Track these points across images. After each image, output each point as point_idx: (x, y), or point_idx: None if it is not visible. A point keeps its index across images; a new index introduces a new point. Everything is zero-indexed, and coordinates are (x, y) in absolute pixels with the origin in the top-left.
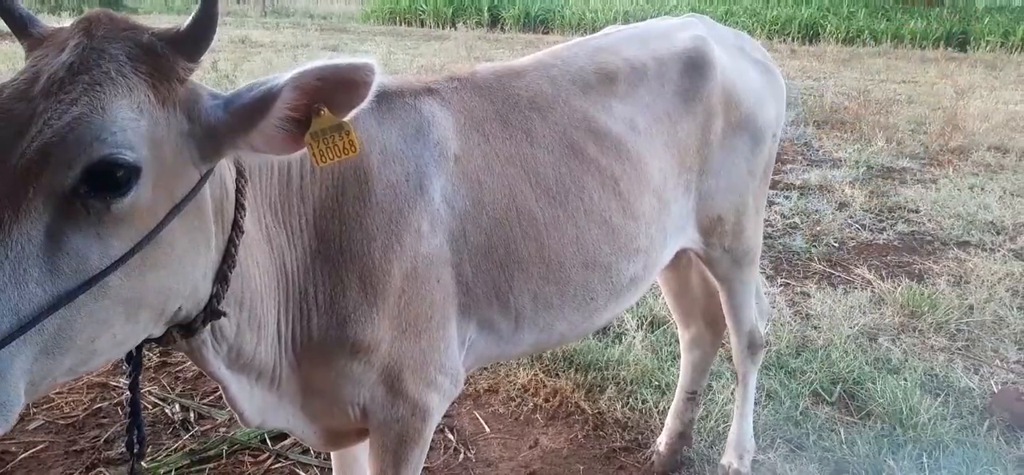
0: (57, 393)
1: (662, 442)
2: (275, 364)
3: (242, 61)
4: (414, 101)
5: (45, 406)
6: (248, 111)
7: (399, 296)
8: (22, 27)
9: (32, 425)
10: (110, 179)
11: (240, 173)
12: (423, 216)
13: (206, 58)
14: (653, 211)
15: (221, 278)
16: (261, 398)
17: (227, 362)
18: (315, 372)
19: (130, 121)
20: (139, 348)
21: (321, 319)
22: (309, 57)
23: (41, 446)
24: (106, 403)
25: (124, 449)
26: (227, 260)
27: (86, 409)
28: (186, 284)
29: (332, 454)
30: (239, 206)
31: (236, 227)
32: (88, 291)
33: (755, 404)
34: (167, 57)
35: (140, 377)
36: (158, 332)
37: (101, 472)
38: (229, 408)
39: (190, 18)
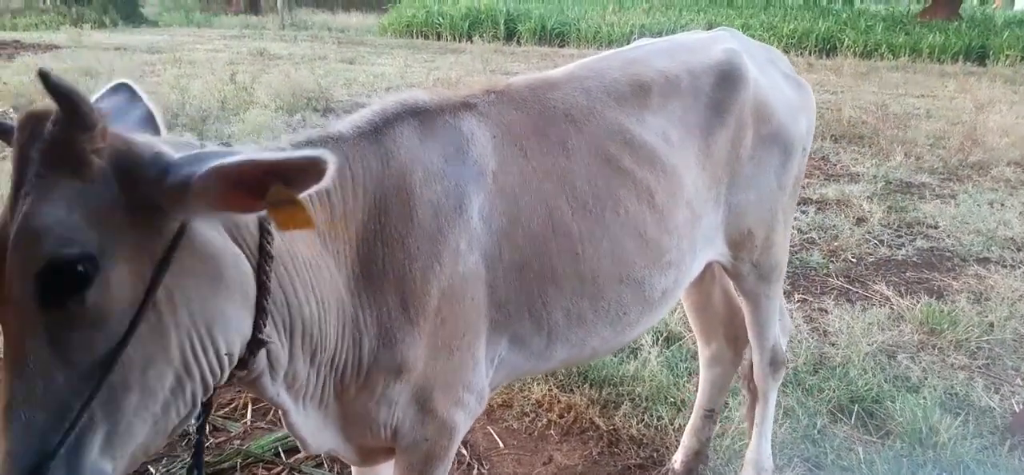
0: None
1: (678, 460)
2: (324, 387)
3: (260, 73)
4: (454, 119)
5: None
6: (179, 189)
7: (436, 315)
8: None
9: None
10: (70, 278)
11: None
12: (462, 235)
13: (225, 71)
14: (686, 224)
15: (259, 309)
16: (314, 421)
17: (285, 388)
18: (358, 394)
19: (60, 218)
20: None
21: (370, 342)
22: (327, 71)
23: None
24: None
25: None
26: (261, 289)
27: None
28: (218, 328)
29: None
30: (265, 232)
31: (264, 254)
32: (115, 373)
33: (773, 422)
34: (68, 139)
35: (207, 419)
36: (223, 377)
37: None
38: (243, 421)
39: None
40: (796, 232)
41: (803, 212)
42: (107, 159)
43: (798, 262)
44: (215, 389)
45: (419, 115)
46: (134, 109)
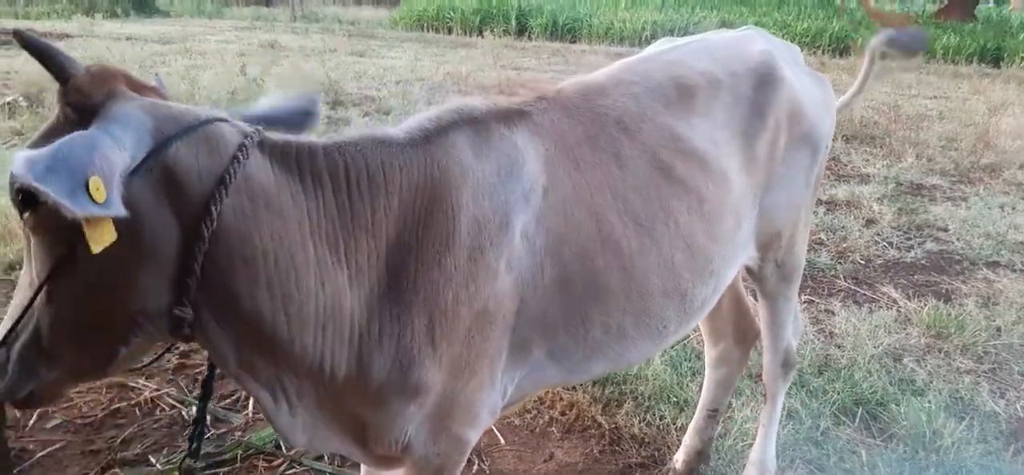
0: (76, 392)
1: (680, 459)
2: (305, 390)
3: (271, 65)
4: (509, 131)
5: (64, 405)
6: None
7: (466, 336)
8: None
9: (50, 424)
10: (26, 198)
11: (224, 184)
12: (503, 255)
13: (235, 62)
14: (730, 231)
15: (180, 286)
16: (303, 422)
17: (253, 380)
18: (369, 409)
19: (36, 148)
20: (210, 375)
21: (383, 360)
22: (337, 63)
23: (58, 445)
24: (124, 404)
25: (140, 451)
26: (187, 270)
27: (104, 409)
28: (126, 290)
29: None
30: (208, 212)
31: (194, 234)
32: (42, 293)
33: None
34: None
35: (209, 400)
36: (146, 335)
37: (116, 472)
38: (244, 412)
39: None
40: None
41: (812, 213)
42: (74, 108)
43: (806, 263)
44: (212, 375)
45: (474, 125)
46: None
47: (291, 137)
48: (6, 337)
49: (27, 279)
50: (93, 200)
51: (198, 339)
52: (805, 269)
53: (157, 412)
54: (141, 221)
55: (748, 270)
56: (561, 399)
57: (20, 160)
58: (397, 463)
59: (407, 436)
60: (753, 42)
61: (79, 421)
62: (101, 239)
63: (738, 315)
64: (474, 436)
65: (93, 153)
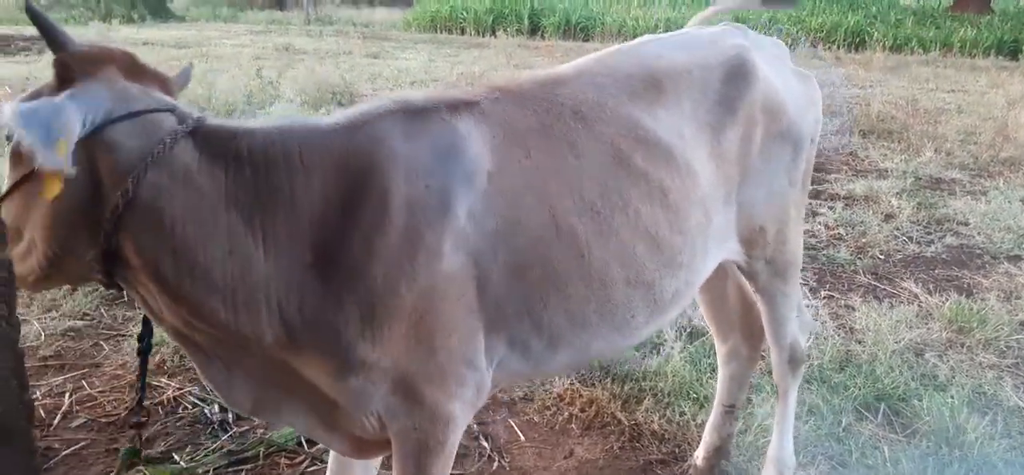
0: (99, 392)
1: (700, 456)
2: (223, 344)
3: (286, 68)
4: (450, 117)
5: (87, 404)
6: None
7: (410, 314)
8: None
9: (74, 423)
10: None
11: (145, 162)
12: (445, 236)
13: (251, 65)
14: (699, 224)
15: (97, 240)
16: (245, 384)
17: (170, 328)
18: (324, 383)
19: (29, 107)
20: (144, 328)
21: (314, 333)
22: (351, 66)
23: (82, 443)
24: (148, 402)
25: (164, 449)
26: (102, 228)
27: (127, 407)
28: (46, 231)
29: (329, 458)
30: (125, 187)
31: (114, 203)
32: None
33: (796, 419)
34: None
35: (150, 342)
36: (67, 269)
37: (141, 470)
38: None
39: None
40: (823, 228)
41: (830, 208)
42: (60, 77)
43: (825, 259)
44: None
45: (409, 113)
46: None
47: (229, 123)
48: None
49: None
50: (57, 155)
51: (129, 292)
52: (825, 265)
53: (180, 410)
54: (76, 178)
55: (739, 268)
56: (580, 396)
57: (13, 108)
58: (377, 448)
59: (376, 409)
60: (728, 37)
61: (103, 420)
62: (52, 190)
63: (744, 310)
64: (456, 410)
65: (62, 117)
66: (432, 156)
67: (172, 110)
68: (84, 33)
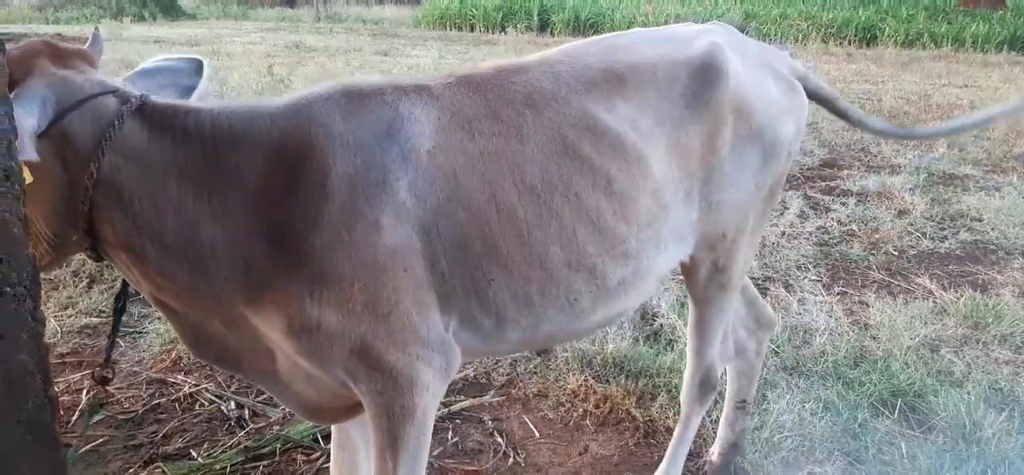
0: (117, 388)
1: (715, 452)
2: (185, 298)
3: (297, 65)
4: (393, 99)
5: (105, 402)
6: None
7: (352, 282)
8: None
9: (92, 419)
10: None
11: (102, 147)
12: (384, 210)
13: (262, 63)
14: (648, 215)
15: (76, 221)
16: (214, 339)
17: (162, 300)
18: (275, 338)
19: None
20: (121, 290)
21: (264, 297)
22: (362, 63)
23: (101, 439)
24: (164, 399)
25: (181, 445)
26: (77, 210)
27: (145, 405)
28: (48, 217)
29: (332, 440)
30: (90, 172)
31: (83, 187)
32: None
33: (812, 415)
34: None
35: (125, 303)
36: (67, 247)
37: (159, 466)
38: (282, 407)
39: None
40: (836, 223)
41: (842, 204)
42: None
43: (838, 254)
44: (94, 259)
45: (351, 96)
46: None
47: (174, 101)
48: None
49: None
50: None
51: (111, 263)
52: (838, 261)
53: (196, 407)
54: (47, 170)
55: (682, 267)
56: (595, 392)
57: None
58: (330, 415)
59: (338, 373)
60: (704, 36)
61: (121, 416)
62: (27, 178)
63: (747, 303)
64: (422, 373)
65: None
66: (370, 134)
67: (114, 92)
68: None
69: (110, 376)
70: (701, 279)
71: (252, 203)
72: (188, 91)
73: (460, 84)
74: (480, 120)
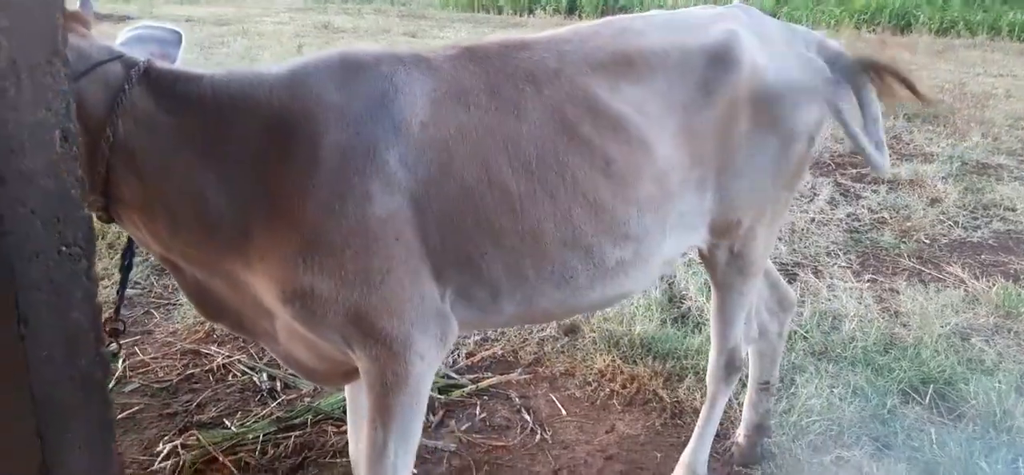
0: (151, 358)
1: (741, 434)
2: (193, 258)
3: (325, 45)
4: (389, 70)
5: (140, 370)
6: None
7: (343, 249)
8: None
9: (128, 388)
10: None
11: (115, 113)
12: (373, 179)
13: (291, 42)
14: (651, 199)
15: (93, 185)
16: (214, 292)
17: (171, 260)
18: (270, 300)
19: None
20: (127, 247)
21: (263, 259)
22: (390, 44)
23: (136, 408)
24: (198, 369)
25: (214, 414)
26: (95, 174)
27: (179, 374)
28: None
29: (347, 407)
30: (106, 137)
31: (101, 152)
32: None
33: (840, 400)
34: None
35: (131, 261)
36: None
37: (193, 434)
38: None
39: None
40: (866, 211)
41: (874, 191)
42: None
43: (868, 242)
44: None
45: (348, 66)
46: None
47: (177, 68)
48: None
49: None
50: None
51: (121, 224)
52: (868, 248)
53: (229, 378)
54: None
55: (700, 254)
56: (622, 373)
57: None
58: (322, 377)
59: (334, 337)
60: (723, 20)
61: (156, 385)
62: None
63: (770, 286)
64: (417, 341)
65: None
66: (363, 105)
67: (120, 57)
68: (127, 9)
69: (121, 329)
70: (720, 265)
71: (251, 170)
72: (171, 61)
73: (461, 56)
74: (477, 93)
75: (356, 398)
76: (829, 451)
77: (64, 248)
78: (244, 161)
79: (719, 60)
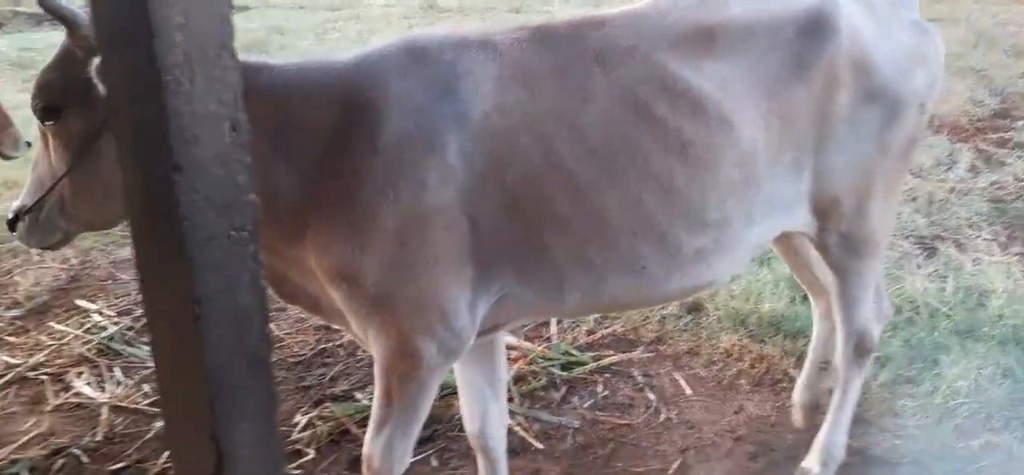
0: (287, 334)
1: (797, 417)
2: (274, 260)
3: (433, 25)
4: (453, 56)
5: (276, 346)
6: None
7: (392, 239)
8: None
9: None
10: (48, 111)
11: None
12: (430, 169)
13: (400, 24)
14: (734, 184)
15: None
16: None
17: None
18: (319, 282)
19: (51, 79)
20: None
21: (312, 240)
22: (495, 20)
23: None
24: (330, 344)
25: (346, 388)
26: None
27: (313, 349)
28: (109, 186)
29: (458, 383)
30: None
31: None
32: (69, 176)
33: (989, 382)
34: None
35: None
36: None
37: (327, 406)
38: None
39: None
40: (1011, 179)
41: (1019, 157)
42: (82, 49)
43: (1015, 212)
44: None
45: (414, 52)
46: None
47: (250, 59)
48: (36, 205)
49: (45, 166)
50: None
51: None
52: (1013, 219)
53: (358, 352)
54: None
55: (809, 240)
56: (750, 352)
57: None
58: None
59: (361, 322)
60: None
61: (291, 360)
62: None
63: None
64: (427, 348)
65: None
66: (425, 95)
67: None
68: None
69: None
70: (832, 250)
71: (314, 156)
72: None
73: (530, 38)
74: (543, 77)
75: (464, 373)
76: (977, 435)
77: (233, 232)
78: (309, 150)
79: (813, 30)
